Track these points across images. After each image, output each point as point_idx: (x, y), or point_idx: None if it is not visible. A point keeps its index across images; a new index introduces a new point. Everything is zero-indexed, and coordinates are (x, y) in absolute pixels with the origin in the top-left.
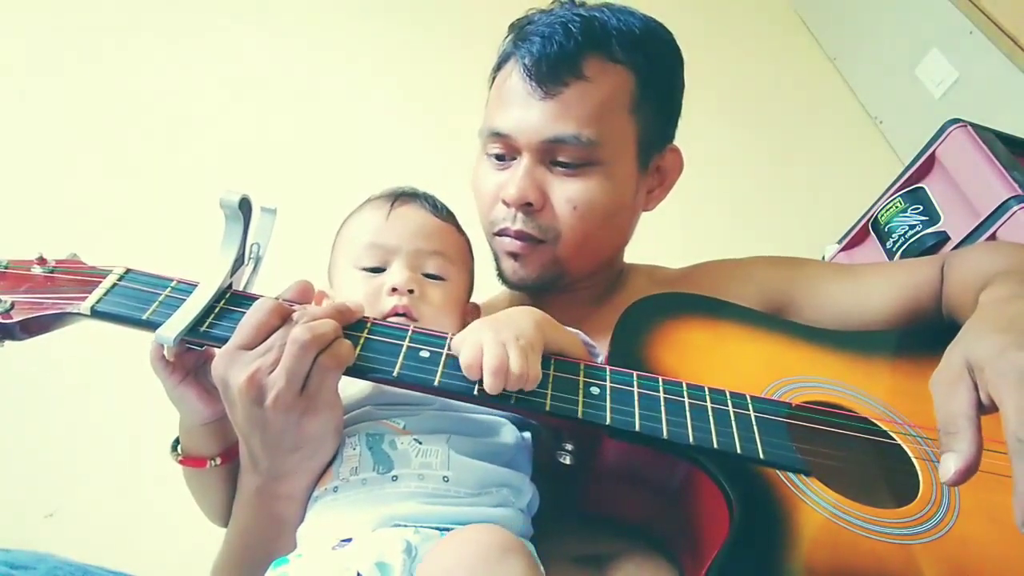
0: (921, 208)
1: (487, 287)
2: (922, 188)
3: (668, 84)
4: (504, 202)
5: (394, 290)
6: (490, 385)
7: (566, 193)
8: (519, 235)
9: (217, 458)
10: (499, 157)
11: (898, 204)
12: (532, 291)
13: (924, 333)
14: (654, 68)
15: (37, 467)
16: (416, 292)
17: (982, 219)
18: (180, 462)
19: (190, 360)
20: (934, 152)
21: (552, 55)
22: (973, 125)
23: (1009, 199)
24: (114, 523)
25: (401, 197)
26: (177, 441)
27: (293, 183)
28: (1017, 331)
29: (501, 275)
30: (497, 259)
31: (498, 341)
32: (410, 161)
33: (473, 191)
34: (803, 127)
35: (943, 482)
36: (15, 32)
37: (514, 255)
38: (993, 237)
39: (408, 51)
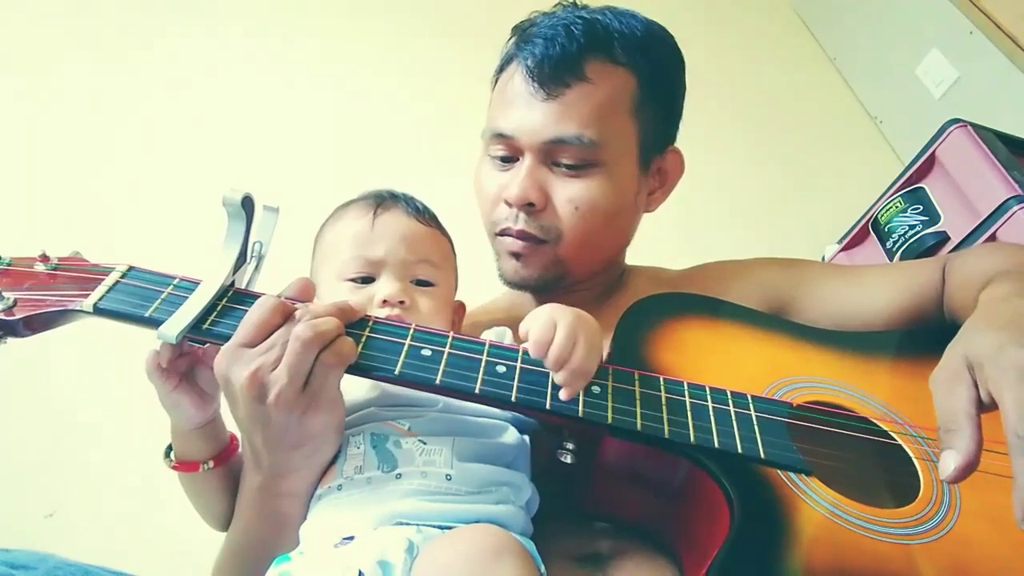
0: (921, 208)
1: (488, 288)
2: (922, 188)
3: (670, 86)
4: (506, 202)
5: (385, 302)
6: (552, 364)
7: (568, 193)
8: (521, 235)
9: (210, 461)
10: (502, 158)
11: (898, 204)
12: (534, 291)
13: (925, 334)
14: (656, 70)
15: (37, 467)
16: (407, 302)
17: (982, 219)
18: (174, 468)
19: (183, 365)
20: (934, 152)
21: (554, 57)
22: (973, 125)
23: (1009, 199)
24: (114, 523)
25: (383, 203)
26: (170, 448)
27: (295, 182)
28: (1016, 328)
29: (503, 275)
30: (499, 259)
31: (572, 330)
32: (412, 160)
33: (475, 191)
34: (803, 127)
35: (942, 479)
36: (17, 31)
37: (516, 255)
38: (993, 237)
39: (411, 51)
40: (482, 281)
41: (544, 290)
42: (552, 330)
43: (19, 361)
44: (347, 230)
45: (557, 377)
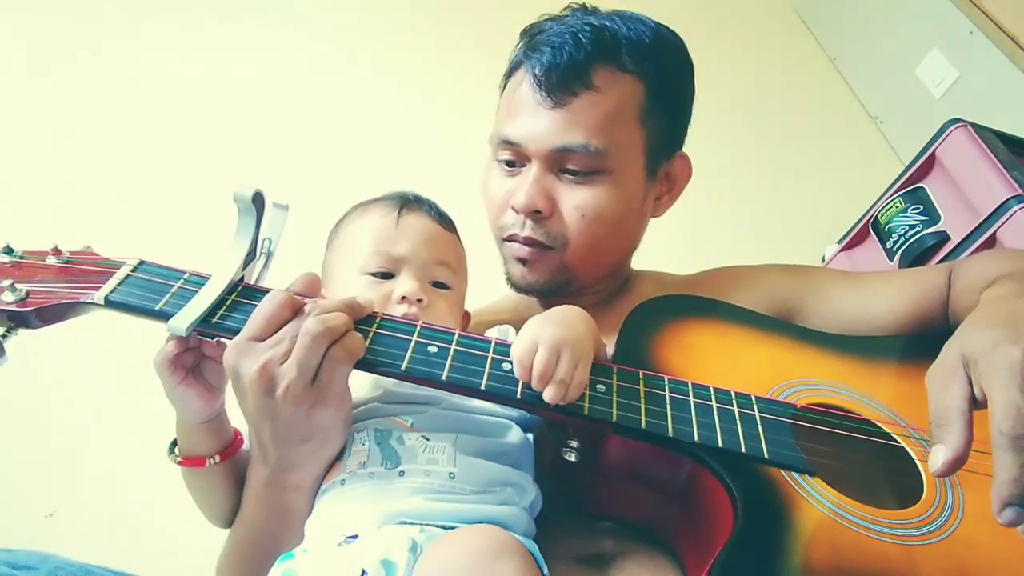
0: (921, 208)
1: (492, 289)
2: (922, 188)
3: (677, 93)
4: (513, 209)
5: (403, 299)
6: (536, 386)
7: (574, 201)
8: (528, 242)
9: (216, 456)
10: (509, 164)
11: (898, 204)
12: (540, 295)
13: (929, 338)
14: (664, 77)
15: (37, 467)
16: (425, 301)
17: (982, 219)
18: (179, 463)
19: (189, 359)
20: (934, 152)
21: (562, 66)
22: (973, 125)
23: (1009, 199)
24: (114, 523)
25: (408, 204)
26: (174, 444)
27: (303, 182)
28: (1012, 326)
29: (510, 279)
30: (506, 263)
31: (552, 346)
32: (420, 161)
33: (483, 196)
34: (803, 127)
35: (931, 473)
36: (30, 28)
37: (523, 261)
38: (993, 237)
39: (421, 53)
40: (486, 282)
41: (550, 295)
42: (533, 351)
43: (19, 361)
44: (370, 225)
45: (545, 394)
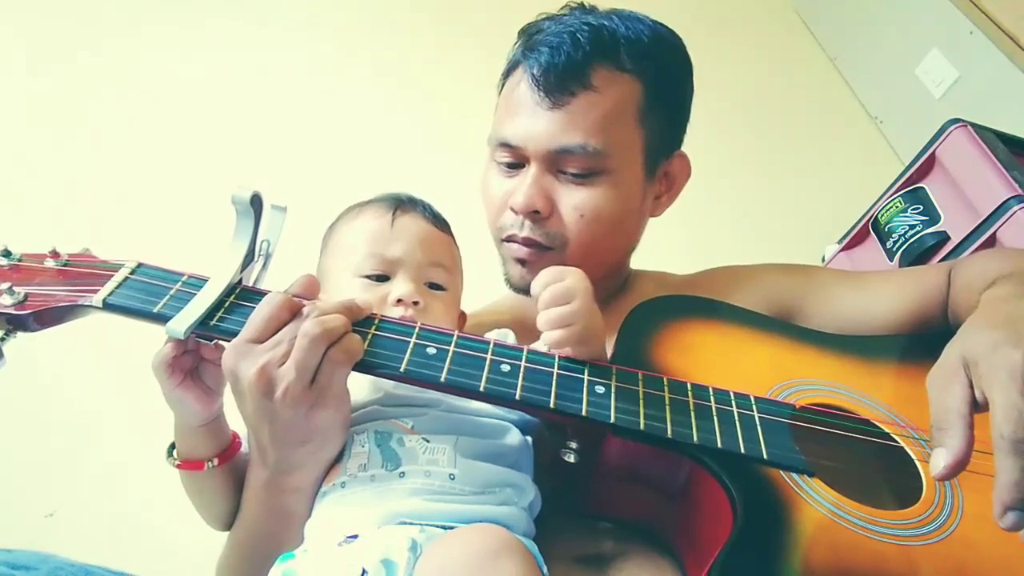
0: (921, 208)
1: (492, 289)
2: (922, 188)
3: (676, 92)
4: (512, 209)
5: (399, 301)
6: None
7: (573, 201)
8: (527, 242)
9: (214, 459)
10: (508, 165)
11: (898, 204)
12: None
13: (929, 338)
14: (662, 77)
15: (37, 467)
16: (420, 304)
17: (982, 219)
18: (178, 467)
19: (187, 362)
20: (934, 152)
21: (560, 66)
22: (973, 125)
23: (1009, 199)
24: (114, 523)
25: (402, 206)
26: (172, 447)
27: (301, 183)
28: (1012, 328)
29: (508, 279)
30: (505, 264)
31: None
32: (419, 161)
33: (482, 197)
34: (803, 127)
35: (932, 476)
36: (30, 29)
37: (522, 261)
38: (993, 237)
39: (420, 53)
40: (486, 282)
41: None
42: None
43: (19, 361)
44: (365, 228)
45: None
